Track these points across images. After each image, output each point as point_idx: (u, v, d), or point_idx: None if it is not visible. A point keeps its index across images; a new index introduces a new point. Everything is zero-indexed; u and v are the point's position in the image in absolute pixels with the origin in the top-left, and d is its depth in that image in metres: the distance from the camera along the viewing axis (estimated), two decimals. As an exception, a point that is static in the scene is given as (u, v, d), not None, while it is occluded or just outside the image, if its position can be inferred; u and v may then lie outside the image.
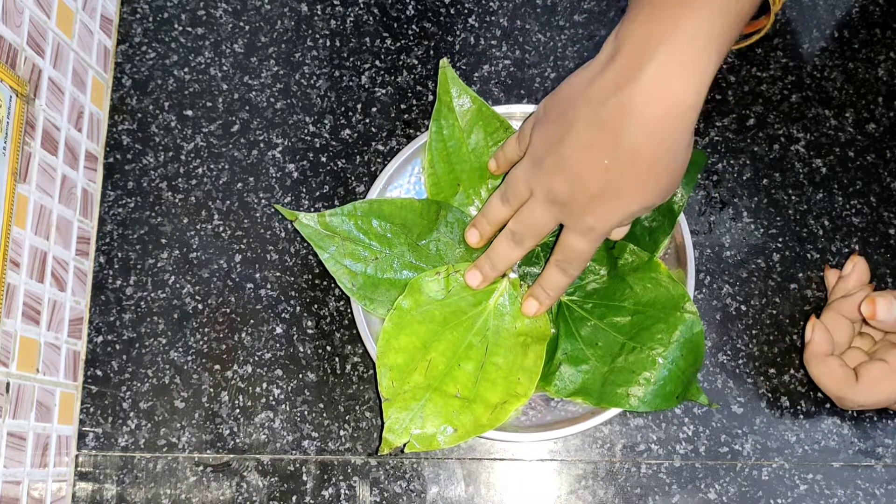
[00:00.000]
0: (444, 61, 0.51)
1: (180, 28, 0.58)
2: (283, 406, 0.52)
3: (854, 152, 0.55)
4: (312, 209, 0.55)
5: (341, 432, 0.51)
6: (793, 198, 0.55)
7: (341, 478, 0.50)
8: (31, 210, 0.48)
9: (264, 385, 0.52)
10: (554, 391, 0.48)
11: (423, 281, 0.48)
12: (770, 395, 0.51)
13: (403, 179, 0.52)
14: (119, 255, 0.54)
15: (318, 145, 0.56)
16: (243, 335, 0.53)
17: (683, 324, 0.47)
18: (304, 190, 0.55)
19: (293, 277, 0.53)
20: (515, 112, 0.52)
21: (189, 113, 0.57)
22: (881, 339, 0.49)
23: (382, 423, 0.46)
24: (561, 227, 0.44)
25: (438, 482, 0.50)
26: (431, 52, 0.57)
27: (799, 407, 0.51)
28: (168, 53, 0.58)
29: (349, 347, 0.52)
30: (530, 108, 0.52)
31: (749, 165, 0.55)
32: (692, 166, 0.49)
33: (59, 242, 0.51)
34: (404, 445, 0.46)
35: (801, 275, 0.53)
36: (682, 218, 0.50)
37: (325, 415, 0.51)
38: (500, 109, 0.52)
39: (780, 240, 0.54)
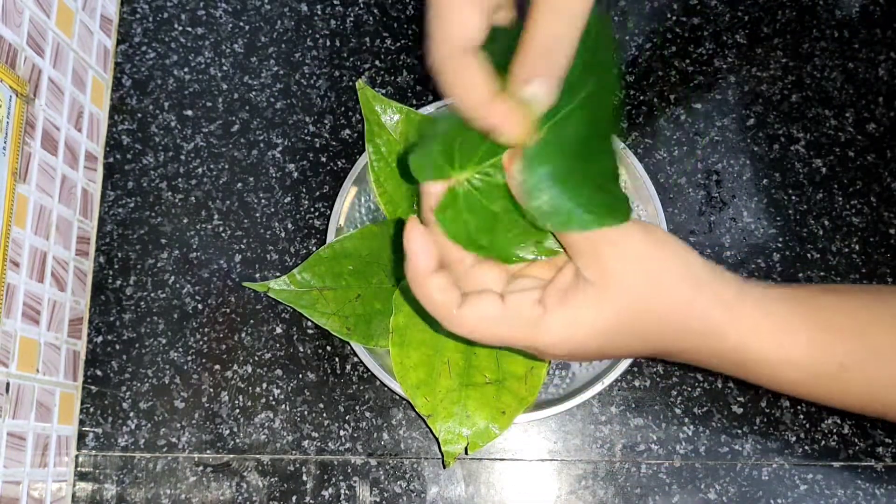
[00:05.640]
0: (360, 83, 0.51)
1: (180, 28, 0.58)
2: (283, 406, 0.52)
3: (854, 152, 0.55)
4: (312, 209, 0.55)
5: (341, 432, 0.51)
6: (793, 198, 0.55)
7: (341, 478, 0.50)
8: (30, 210, 0.48)
9: (264, 385, 0.52)
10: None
11: (402, 292, 0.47)
12: (770, 394, 0.51)
13: (364, 197, 0.52)
14: (119, 255, 0.54)
15: (318, 145, 0.56)
16: (243, 335, 0.53)
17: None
18: (304, 190, 0.55)
19: (293, 277, 0.53)
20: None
21: (189, 113, 0.57)
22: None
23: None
24: None
25: (438, 482, 0.50)
26: (431, 52, 0.57)
27: (799, 407, 0.51)
28: (168, 53, 0.58)
29: (349, 347, 0.52)
30: None
31: (749, 165, 0.55)
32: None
33: (58, 242, 0.51)
34: (466, 448, 0.46)
35: (801, 275, 0.53)
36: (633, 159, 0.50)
37: (325, 415, 0.51)
38: (431, 108, 0.51)
39: (781, 240, 0.54)
